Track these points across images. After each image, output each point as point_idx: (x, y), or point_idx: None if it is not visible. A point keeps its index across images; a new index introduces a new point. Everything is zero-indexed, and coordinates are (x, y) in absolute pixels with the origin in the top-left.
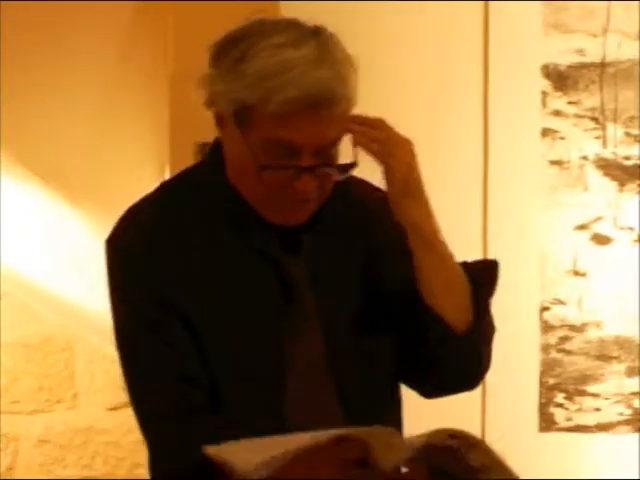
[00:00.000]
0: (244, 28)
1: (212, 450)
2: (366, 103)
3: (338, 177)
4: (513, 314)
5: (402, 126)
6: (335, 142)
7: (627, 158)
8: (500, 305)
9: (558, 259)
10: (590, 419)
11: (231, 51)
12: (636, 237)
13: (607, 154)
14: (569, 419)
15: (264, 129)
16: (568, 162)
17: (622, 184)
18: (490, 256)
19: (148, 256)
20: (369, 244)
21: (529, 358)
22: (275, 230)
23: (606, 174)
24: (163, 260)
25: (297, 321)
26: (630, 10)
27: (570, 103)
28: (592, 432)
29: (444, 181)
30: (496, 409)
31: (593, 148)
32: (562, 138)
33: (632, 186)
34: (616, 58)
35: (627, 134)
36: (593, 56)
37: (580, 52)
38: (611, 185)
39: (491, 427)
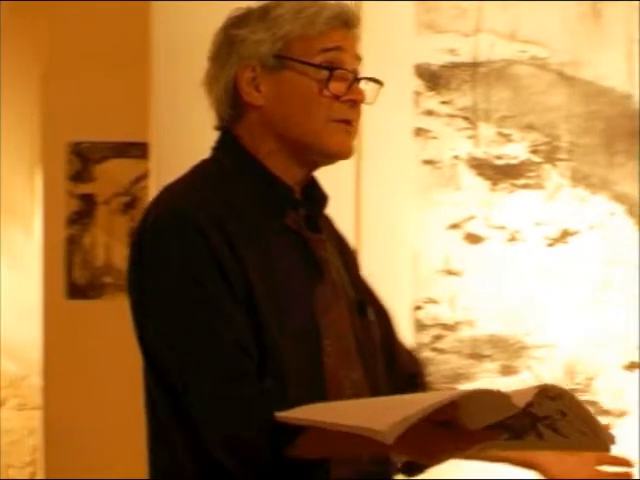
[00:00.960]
0: (247, 6)
1: (297, 413)
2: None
3: (365, 99)
4: None
5: None
6: (360, 61)
7: (499, 157)
8: None
9: (431, 258)
10: None
11: (252, 13)
12: (508, 236)
13: (479, 153)
14: None
15: (312, 49)
16: (440, 161)
17: (494, 183)
18: (363, 255)
19: (215, 233)
20: (338, 239)
21: None
22: (300, 208)
23: (478, 173)
24: (227, 239)
25: (326, 295)
26: (502, 10)
27: (443, 103)
28: None
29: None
30: None
31: (465, 147)
32: (434, 137)
33: (504, 185)
34: (488, 58)
35: (499, 134)
36: (465, 56)
37: (452, 52)
38: (483, 184)
39: None
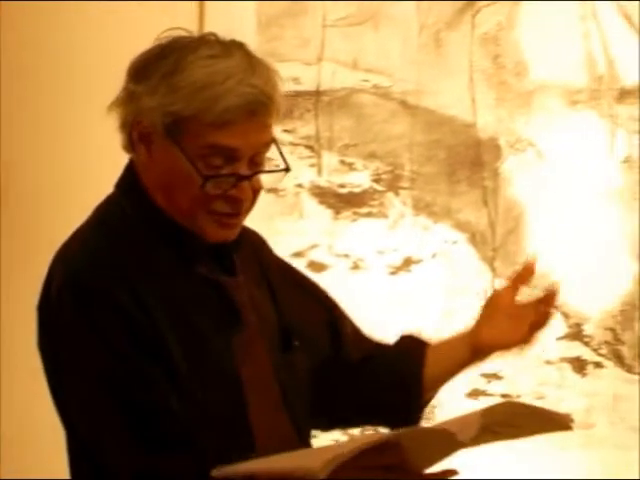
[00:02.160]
0: (167, 45)
1: (231, 468)
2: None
3: (261, 186)
4: None
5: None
6: (266, 149)
7: (342, 186)
8: None
9: None
10: None
11: (159, 66)
12: (352, 264)
13: (322, 182)
14: None
15: (204, 138)
16: (284, 190)
17: (337, 212)
18: None
19: (121, 293)
20: (266, 274)
21: None
22: (211, 252)
23: (321, 202)
24: (136, 297)
25: (247, 344)
26: (345, 39)
27: (285, 131)
28: None
29: None
30: None
31: (308, 176)
32: (277, 166)
33: (347, 214)
34: (331, 87)
35: (342, 162)
36: (308, 84)
37: (295, 80)
38: (326, 213)
39: None
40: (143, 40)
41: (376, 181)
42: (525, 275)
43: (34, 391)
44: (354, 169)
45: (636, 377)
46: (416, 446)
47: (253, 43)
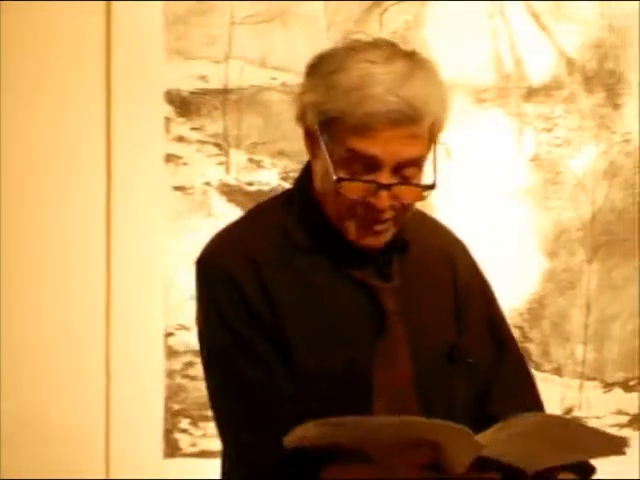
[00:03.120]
0: (340, 45)
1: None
2: None
3: (416, 198)
4: (138, 340)
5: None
6: (416, 161)
7: (250, 184)
8: (124, 331)
9: (182, 284)
10: (215, 444)
11: (324, 65)
12: None
13: (230, 180)
14: (194, 445)
15: (346, 142)
16: (192, 188)
17: (246, 209)
18: (115, 282)
19: (250, 280)
20: (456, 290)
21: (154, 384)
22: (369, 256)
23: (230, 200)
24: (258, 281)
25: (389, 350)
26: (253, 37)
27: (193, 129)
28: (217, 457)
29: (67, 207)
30: (121, 436)
31: (217, 174)
32: (185, 164)
33: None
34: (239, 84)
35: (250, 160)
36: (216, 82)
37: (203, 78)
38: (235, 211)
39: (116, 454)
40: (51, 39)
41: (284, 179)
42: None
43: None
44: (262, 167)
45: (544, 374)
46: (451, 445)
47: (160, 41)
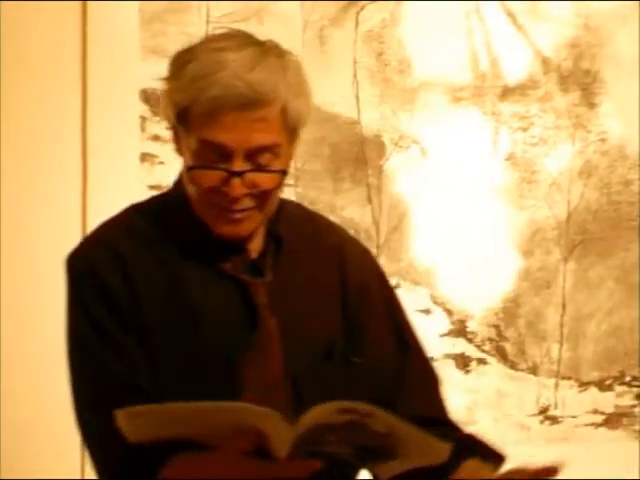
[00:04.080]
0: (201, 39)
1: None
2: None
3: (272, 185)
4: None
5: None
6: (269, 148)
7: None
8: None
9: None
10: None
11: (179, 58)
12: None
13: None
14: None
15: (197, 131)
16: (168, 187)
17: None
18: None
19: (110, 274)
20: (346, 289)
21: None
22: (240, 251)
23: None
24: (124, 277)
25: (259, 345)
26: None
27: (169, 128)
28: None
29: (40, 206)
30: None
31: None
32: (161, 163)
33: None
34: None
35: None
36: None
37: None
38: None
39: None
40: (26, 37)
41: None
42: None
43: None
44: None
45: (519, 373)
46: (269, 430)
47: (136, 40)
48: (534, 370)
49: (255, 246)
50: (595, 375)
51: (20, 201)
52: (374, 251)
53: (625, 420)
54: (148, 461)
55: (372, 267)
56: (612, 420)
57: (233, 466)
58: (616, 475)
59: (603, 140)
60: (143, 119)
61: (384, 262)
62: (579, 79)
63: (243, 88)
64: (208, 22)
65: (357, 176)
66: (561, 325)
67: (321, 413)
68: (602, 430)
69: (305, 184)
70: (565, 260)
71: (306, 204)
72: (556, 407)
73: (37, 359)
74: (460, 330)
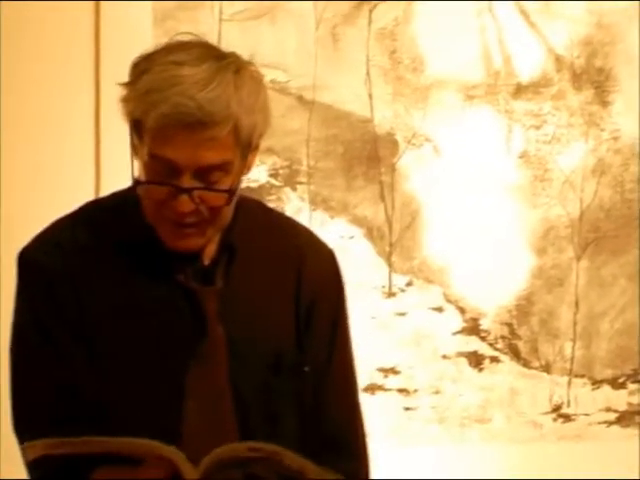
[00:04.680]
0: (161, 46)
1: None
2: None
3: (220, 203)
4: None
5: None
6: (220, 166)
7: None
8: None
9: None
10: None
11: (139, 65)
12: None
13: None
14: None
15: (147, 145)
16: None
17: None
18: None
19: (57, 274)
20: (301, 297)
21: None
22: (192, 258)
23: None
24: (72, 279)
25: (205, 353)
26: (241, 34)
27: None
28: None
29: (55, 203)
30: None
31: None
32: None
33: None
34: None
35: None
36: None
37: None
38: None
39: None
40: (40, 35)
41: (273, 176)
42: None
43: None
44: None
45: (532, 371)
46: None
47: (149, 37)
48: (547, 368)
49: (208, 253)
50: (608, 373)
51: (34, 194)
52: (386, 249)
53: (638, 418)
54: (74, 471)
55: (328, 277)
56: (625, 418)
57: None
58: (629, 473)
59: (616, 138)
60: None
61: (397, 260)
62: (592, 77)
63: (193, 108)
64: (221, 20)
65: (370, 174)
66: (574, 323)
67: (229, 453)
68: (615, 428)
69: (318, 182)
70: (578, 258)
71: (319, 202)
72: (569, 405)
73: None
74: (473, 328)
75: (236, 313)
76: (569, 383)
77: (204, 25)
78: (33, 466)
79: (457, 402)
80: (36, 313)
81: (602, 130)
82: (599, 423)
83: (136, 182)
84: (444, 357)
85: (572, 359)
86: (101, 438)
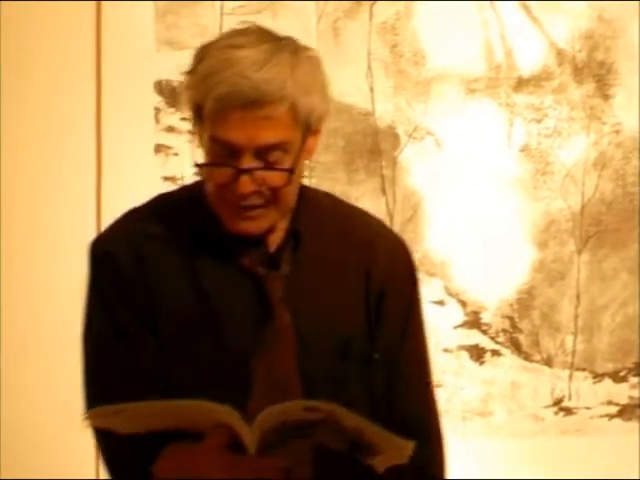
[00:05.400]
0: (221, 33)
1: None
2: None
3: (281, 183)
4: None
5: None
6: (279, 146)
7: None
8: None
9: None
10: None
11: (198, 54)
12: None
13: None
14: None
15: (208, 129)
16: (182, 178)
17: None
18: None
19: (126, 263)
20: (371, 286)
21: None
22: (259, 244)
23: None
24: (141, 268)
25: (271, 338)
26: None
27: (183, 119)
28: None
29: (57, 198)
30: None
31: None
32: (176, 154)
33: None
34: None
35: None
36: None
37: None
38: None
39: None
40: (41, 29)
41: None
42: None
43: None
44: None
45: (533, 365)
46: (236, 425)
47: (150, 32)
48: (548, 362)
49: (274, 239)
50: (609, 366)
51: (35, 192)
52: None
53: (639, 411)
54: (140, 454)
55: (398, 266)
56: (626, 411)
57: (211, 461)
58: (630, 466)
59: (617, 132)
60: (157, 110)
61: None
62: (593, 70)
63: (247, 87)
64: (222, 14)
65: (371, 167)
66: (575, 317)
67: (284, 411)
68: (616, 421)
69: (319, 175)
70: (579, 252)
71: None
72: (570, 398)
73: (38, 359)
74: (474, 321)
75: (302, 299)
76: (570, 376)
77: (205, 19)
78: (103, 441)
79: (458, 395)
80: (106, 302)
81: (603, 123)
82: (600, 416)
83: (196, 165)
84: (445, 350)
85: (573, 352)
86: (156, 402)
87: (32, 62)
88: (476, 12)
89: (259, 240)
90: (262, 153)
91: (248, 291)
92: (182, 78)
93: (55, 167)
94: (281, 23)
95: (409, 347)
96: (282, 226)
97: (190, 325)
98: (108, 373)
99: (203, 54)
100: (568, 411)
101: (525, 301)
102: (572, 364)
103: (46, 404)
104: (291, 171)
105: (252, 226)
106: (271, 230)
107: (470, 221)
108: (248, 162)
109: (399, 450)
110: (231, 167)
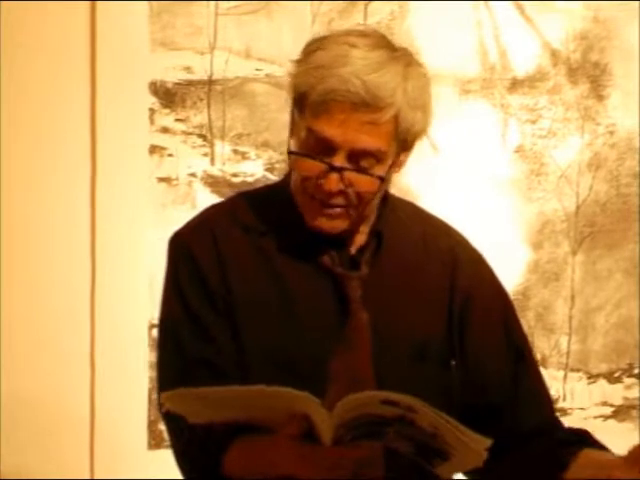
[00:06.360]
0: (338, 31)
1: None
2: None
3: (369, 188)
4: (122, 332)
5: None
6: (374, 153)
7: (235, 175)
8: (109, 323)
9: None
10: None
11: (311, 45)
12: None
13: (215, 171)
14: None
15: (307, 120)
16: (177, 179)
17: None
18: (99, 274)
19: (205, 257)
20: (453, 295)
21: (139, 375)
22: (340, 246)
23: (214, 191)
24: (220, 262)
25: (349, 337)
26: (238, 28)
27: (178, 120)
28: None
29: (51, 199)
30: (105, 427)
31: (201, 165)
32: (170, 155)
33: None
34: (224, 76)
35: (235, 151)
36: (201, 73)
37: (187, 69)
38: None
39: (100, 445)
40: (35, 29)
41: (269, 170)
42: None
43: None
44: (247, 158)
45: None
46: (312, 414)
47: (145, 32)
48: (543, 362)
49: (357, 242)
50: (604, 367)
51: (30, 192)
52: None
53: (634, 412)
54: (212, 444)
55: (483, 275)
56: (621, 412)
57: (285, 451)
58: None
59: (612, 132)
60: (152, 111)
61: None
62: (588, 71)
63: (360, 88)
64: (217, 14)
65: None
66: (570, 317)
67: (363, 401)
68: (611, 422)
69: None
70: (574, 252)
71: None
72: (565, 399)
73: (38, 359)
74: None
75: (381, 300)
76: (565, 377)
77: (200, 19)
78: (177, 429)
79: None
80: (184, 295)
81: (598, 124)
82: (595, 417)
83: (290, 152)
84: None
85: (568, 353)
86: (235, 387)
87: (26, 62)
88: (470, 12)
89: (342, 240)
90: (356, 156)
91: (327, 290)
92: (289, 66)
93: (49, 167)
94: (276, 23)
95: (528, 360)
96: (365, 229)
97: (267, 319)
98: (182, 364)
99: (317, 45)
100: (563, 412)
101: (520, 302)
102: (567, 365)
103: (44, 404)
104: (382, 179)
105: (328, 225)
106: (352, 233)
107: (464, 222)
108: (341, 161)
109: (475, 448)
110: (324, 163)
